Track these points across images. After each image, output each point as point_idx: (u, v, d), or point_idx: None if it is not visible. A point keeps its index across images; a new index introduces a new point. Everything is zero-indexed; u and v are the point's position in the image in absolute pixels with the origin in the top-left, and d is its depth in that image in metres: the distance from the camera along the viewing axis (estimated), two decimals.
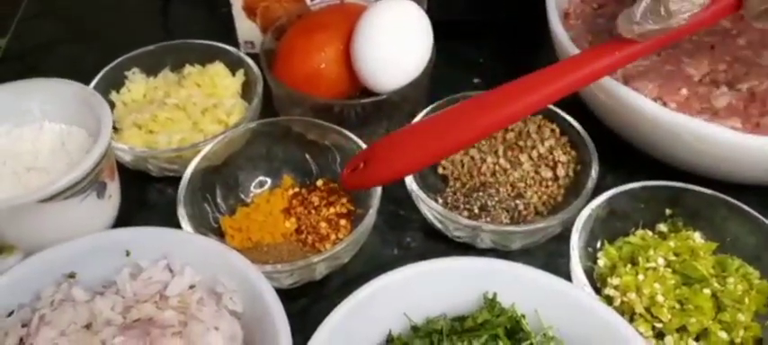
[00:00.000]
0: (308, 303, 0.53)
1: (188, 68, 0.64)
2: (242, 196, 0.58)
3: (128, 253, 0.47)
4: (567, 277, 0.52)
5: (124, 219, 0.56)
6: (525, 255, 0.55)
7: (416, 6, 0.60)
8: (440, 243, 0.57)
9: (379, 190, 0.53)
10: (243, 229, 0.54)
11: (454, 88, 0.61)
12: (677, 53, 0.59)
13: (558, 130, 0.59)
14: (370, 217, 0.52)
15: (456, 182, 0.59)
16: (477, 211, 0.56)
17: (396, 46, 0.59)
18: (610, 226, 0.53)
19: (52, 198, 0.47)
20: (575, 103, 0.60)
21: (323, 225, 0.55)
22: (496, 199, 0.56)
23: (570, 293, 0.44)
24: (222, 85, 0.63)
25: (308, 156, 0.59)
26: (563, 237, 0.52)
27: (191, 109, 0.61)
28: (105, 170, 0.52)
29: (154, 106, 0.61)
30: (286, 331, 0.42)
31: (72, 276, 0.46)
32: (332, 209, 0.56)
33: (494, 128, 0.52)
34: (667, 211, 0.53)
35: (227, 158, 0.57)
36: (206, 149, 0.55)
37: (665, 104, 0.54)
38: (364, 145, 0.56)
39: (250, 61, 0.63)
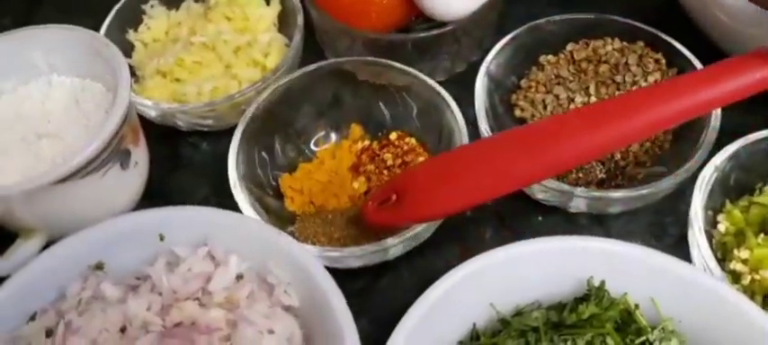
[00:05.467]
0: (371, 279, 0.46)
1: None
2: (304, 149, 0.50)
3: (161, 238, 0.41)
4: (677, 242, 0.45)
5: (156, 185, 0.49)
6: (625, 215, 0.47)
7: None
8: (519, 202, 0.49)
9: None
10: (304, 191, 0.46)
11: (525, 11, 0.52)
12: None
13: (664, 62, 0.50)
14: None
15: None
16: None
17: None
18: (732, 182, 0.44)
19: (67, 178, 0.40)
20: (685, 27, 0.50)
21: None
22: None
23: (699, 281, 0.37)
24: (255, 17, 0.55)
25: (381, 104, 0.51)
26: (672, 191, 0.45)
27: (221, 48, 0.52)
28: (128, 135, 0.44)
29: (178, 47, 0.53)
30: (351, 327, 0.36)
31: (100, 267, 0.40)
32: None
33: (586, 157, 0.42)
34: None
35: (286, 103, 0.49)
36: (251, 110, 0.47)
37: None
38: (440, 89, 0.47)
39: None
